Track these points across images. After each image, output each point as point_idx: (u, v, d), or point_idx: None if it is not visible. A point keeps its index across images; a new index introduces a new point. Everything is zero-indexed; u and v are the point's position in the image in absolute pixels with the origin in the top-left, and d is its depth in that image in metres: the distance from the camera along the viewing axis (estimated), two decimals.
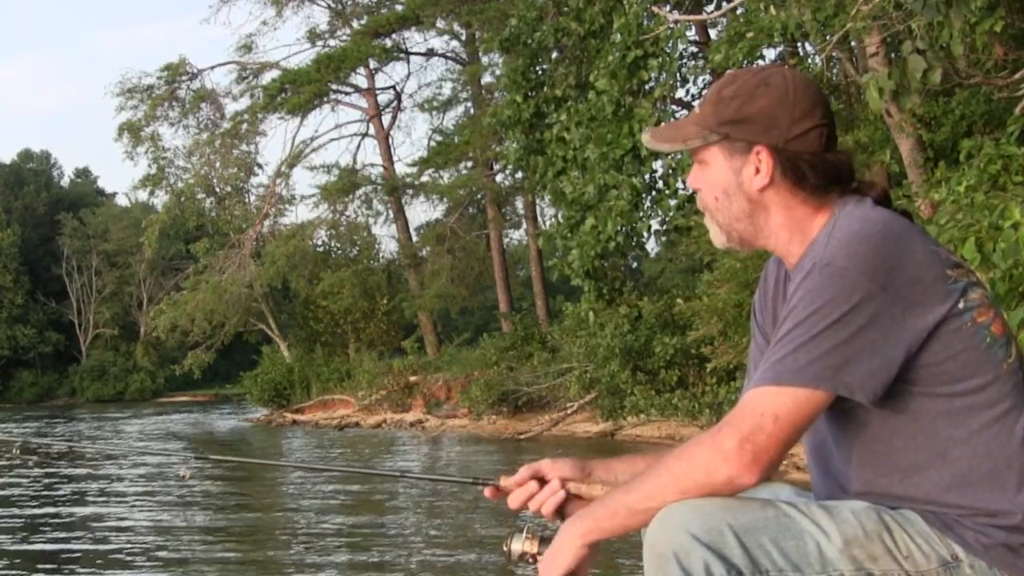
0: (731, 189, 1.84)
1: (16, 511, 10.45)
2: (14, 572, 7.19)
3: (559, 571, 1.75)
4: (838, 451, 1.80)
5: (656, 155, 15.95)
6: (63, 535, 8.93)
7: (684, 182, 16.35)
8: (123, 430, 27.91)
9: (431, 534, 8.47)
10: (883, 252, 1.67)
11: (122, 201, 66.08)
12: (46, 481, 13.09)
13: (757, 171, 1.81)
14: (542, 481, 1.95)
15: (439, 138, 34.81)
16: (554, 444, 17.93)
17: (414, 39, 36.02)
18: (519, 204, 34.59)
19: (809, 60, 14.83)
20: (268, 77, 36.31)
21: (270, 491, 11.57)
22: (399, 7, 33.43)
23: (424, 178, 34.78)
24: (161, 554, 7.86)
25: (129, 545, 8.20)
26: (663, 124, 1.97)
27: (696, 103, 1.89)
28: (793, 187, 1.81)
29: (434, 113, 35.39)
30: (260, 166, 41.08)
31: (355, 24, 35.62)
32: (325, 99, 35.50)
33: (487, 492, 2.00)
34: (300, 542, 8.29)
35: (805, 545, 1.64)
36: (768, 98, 1.80)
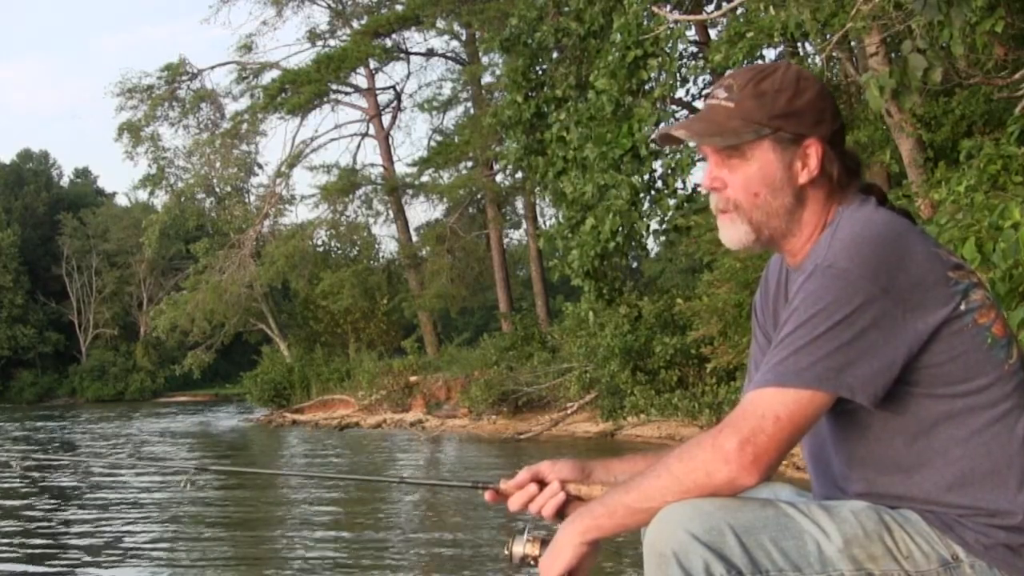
0: (779, 184, 1.80)
1: (12, 513, 10.44)
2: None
3: (559, 569, 1.75)
4: (838, 452, 1.80)
5: (656, 155, 15.94)
6: (59, 540, 8.91)
7: (684, 181, 16.35)
8: (124, 432, 27.90)
9: (431, 538, 8.45)
10: (885, 254, 1.67)
11: (122, 201, 66.23)
12: (44, 485, 13.09)
13: (804, 165, 1.80)
14: (542, 483, 1.94)
15: (439, 138, 34.84)
16: (554, 444, 17.91)
17: (414, 39, 36.08)
18: (519, 204, 34.62)
19: (809, 60, 14.82)
20: (268, 77, 36.39)
21: (269, 495, 11.55)
22: (399, 7, 33.44)
23: (424, 178, 34.83)
24: (156, 555, 7.85)
25: (125, 550, 8.18)
26: (691, 117, 1.90)
27: (720, 98, 1.82)
28: (832, 181, 1.82)
29: (434, 113, 35.42)
30: (260, 166, 41.20)
31: (355, 24, 35.64)
32: (325, 99, 35.52)
33: (487, 495, 1.99)
34: (299, 546, 8.27)
35: (805, 545, 1.64)
36: (813, 91, 1.80)
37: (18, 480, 12.74)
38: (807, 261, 1.77)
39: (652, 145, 15.88)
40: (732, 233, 1.85)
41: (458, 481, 2.12)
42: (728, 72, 1.91)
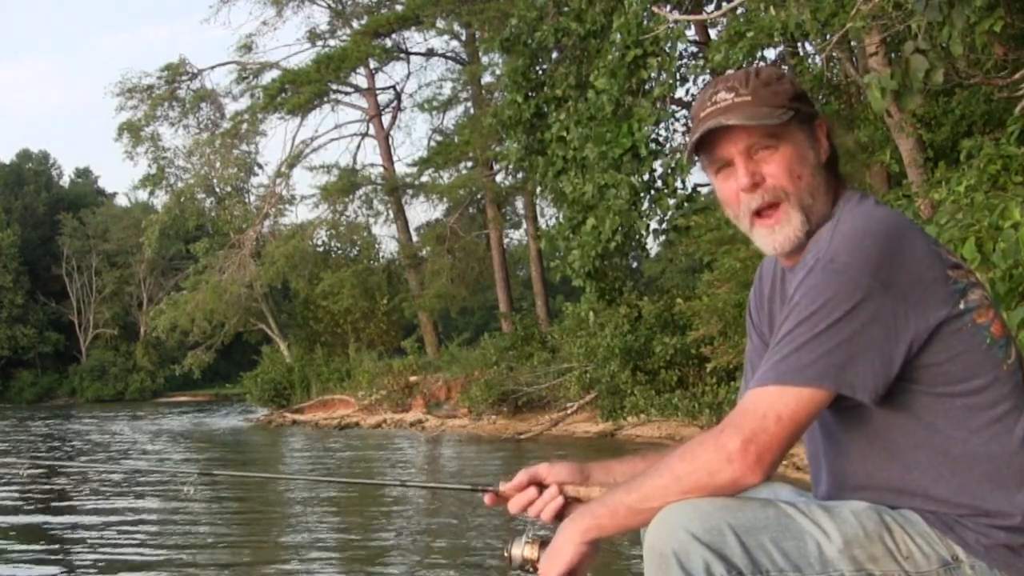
0: (812, 162, 1.81)
1: (14, 519, 10.43)
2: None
3: (559, 569, 1.74)
4: (838, 448, 1.80)
5: (655, 154, 15.93)
6: (62, 545, 8.91)
7: (683, 181, 16.32)
8: (124, 432, 27.90)
9: (431, 541, 8.44)
10: (886, 250, 1.67)
11: (122, 201, 66.26)
12: (47, 488, 13.08)
13: (820, 144, 1.83)
14: (541, 486, 1.94)
15: (439, 138, 34.82)
16: (554, 444, 17.90)
17: (414, 39, 36.07)
18: (519, 204, 34.61)
19: (809, 60, 14.80)
20: (268, 77, 36.40)
21: (268, 497, 11.54)
22: (399, 7, 33.43)
23: (424, 178, 34.82)
24: (155, 558, 7.85)
25: (123, 555, 8.17)
26: (716, 111, 1.85)
27: (730, 98, 1.79)
28: (834, 164, 1.85)
29: (434, 113, 35.40)
30: (260, 166, 41.18)
31: (355, 24, 35.64)
32: (325, 99, 35.51)
33: (486, 498, 1.98)
34: (299, 548, 8.27)
35: (805, 545, 1.64)
36: (798, 81, 1.86)
37: (15, 485, 12.73)
38: (808, 255, 1.76)
39: (652, 145, 15.88)
40: (787, 230, 1.80)
41: (457, 484, 2.12)
42: (712, 81, 1.89)
